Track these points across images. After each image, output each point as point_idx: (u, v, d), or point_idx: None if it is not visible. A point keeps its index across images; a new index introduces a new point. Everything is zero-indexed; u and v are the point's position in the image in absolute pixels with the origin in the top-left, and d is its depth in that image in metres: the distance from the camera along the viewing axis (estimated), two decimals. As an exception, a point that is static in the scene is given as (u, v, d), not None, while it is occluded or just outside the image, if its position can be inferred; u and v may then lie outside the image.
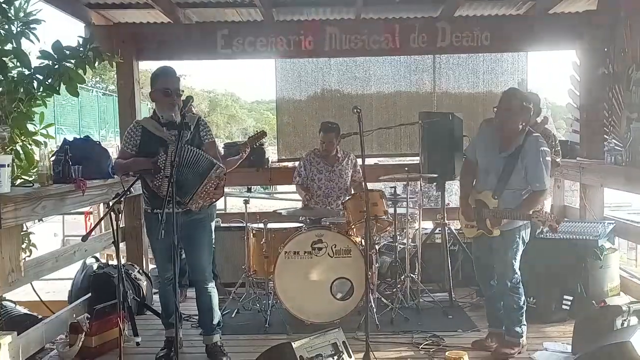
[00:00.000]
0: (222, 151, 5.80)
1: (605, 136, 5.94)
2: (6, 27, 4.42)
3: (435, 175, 5.56)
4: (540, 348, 4.39)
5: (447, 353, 3.77)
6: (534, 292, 4.97)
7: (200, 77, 75.10)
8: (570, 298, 4.97)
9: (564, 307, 4.99)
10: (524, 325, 4.32)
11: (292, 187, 6.23)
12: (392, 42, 6.28)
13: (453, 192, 9.26)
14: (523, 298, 4.30)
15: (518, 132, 4.12)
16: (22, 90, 4.47)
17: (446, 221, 5.72)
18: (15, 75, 4.53)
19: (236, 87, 78.41)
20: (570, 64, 6.71)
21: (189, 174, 4.02)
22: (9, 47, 4.43)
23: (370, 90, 7.13)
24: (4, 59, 4.38)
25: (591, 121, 6.20)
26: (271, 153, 7.32)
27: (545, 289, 5.01)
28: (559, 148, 5.55)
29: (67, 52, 4.62)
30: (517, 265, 4.26)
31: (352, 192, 5.85)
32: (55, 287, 6.75)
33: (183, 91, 4.21)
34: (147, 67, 8.39)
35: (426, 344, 4.50)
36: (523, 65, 7.06)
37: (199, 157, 4.05)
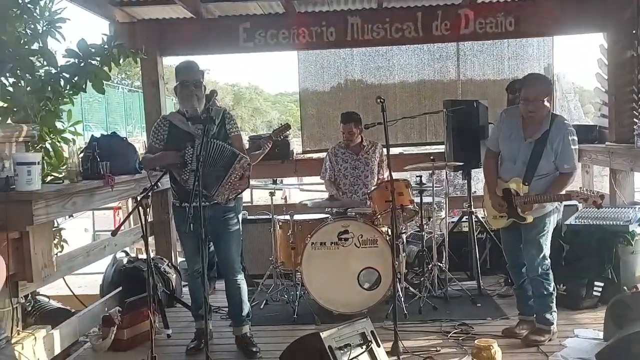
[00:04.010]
0: (247, 144, 5.84)
1: (634, 119, 5.85)
2: (32, 26, 4.49)
3: (461, 164, 5.51)
4: (571, 335, 4.35)
5: (476, 341, 3.75)
6: (564, 279, 4.92)
7: (224, 71, 75.50)
8: (601, 284, 4.91)
9: (594, 293, 4.93)
10: (555, 312, 4.28)
11: (318, 179, 6.23)
12: (414, 31, 6.24)
13: (479, 180, 9.16)
14: (553, 284, 4.26)
15: (545, 117, 4.09)
16: (49, 89, 4.55)
17: (473, 209, 5.68)
18: (43, 75, 4.60)
19: (260, 80, 78.76)
20: (597, 47, 6.59)
21: (215, 167, 4.06)
22: (35, 46, 4.50)
23: (393, 80, 7.10)
24: (31, 58, 4.45)
25: (620, 105, 6.10)
26: (296, 145, 7.34)
27: (575, 276, 4.96)
28: None
29: (92, 50, 4.68)
30: (547, 251, 4.22)
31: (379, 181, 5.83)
32: (87, 281, 6.86)
33: (202, 82, 4.22)
34: (171, 62, 8.42)
35: (455, 333, 4.48)
36: (549, 50, 6.96)
37: (223, 150, 4.09)
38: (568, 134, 4.09)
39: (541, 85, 4.11)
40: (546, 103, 4.05)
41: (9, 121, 4.40)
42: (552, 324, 4.27)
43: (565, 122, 4.17)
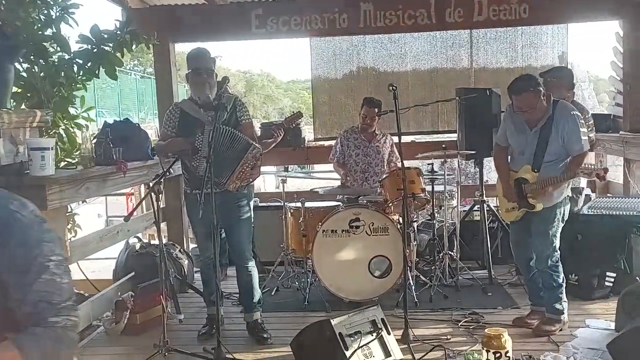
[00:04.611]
0: (258, 132, 5.85)
1: (649, 109, 5.79)
2: (45, 12, 4.50)
3: (473, 152, 5.49)
4: (583, 325, 4.33)
5: (486, 330, 3.74)
6: (576, 269, 4.89)
7: (236, 58, 75.49)
8: (613, 275, 4.88)
9: (606, 283, 4.90)
10: (565, 302, 4.27)
11: (329, 166, 6.23)
12: (427, 18, 6.19)
13: (491, 169, 9.14)
14: (562, 275, 4.25)
15: (544, 108, 4.06)
16: (63, 74, 4.57)
17: (485, 198, 5.65)
18: (56, 60, 4.62)
19: (272, 67, 78.36)
20: (613, 35, 6.52)
21: (226, 155, 4.06)
22: (49, 32, 4.52)
23: (406, 67, 7.06)
24: (44, 44, 4.47)
25: (635, 93, 6.04)
26: (307, 132, 7.33)
27: (587, 266, 4.93)
28: (592, 122, 5.20)
29: (105, 35, 4.69)
30: (557, 243, 4.20)
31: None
32: (100, 266, 6.92)
33: (213, 70, 4.22)
34: (183, 49, 8.43)
35: (465, 321, 4.48)
36: (563, 37, 6.88)
37: (235, 138, 4.08)
38: (572, 117, 4.05)
39: (528, 91, 4.01)
40: (537, 101, 4.02)
41: (22, 106, 4.43)
42: (563, 313, 4.26)
43: (568, 105, 4.16)
